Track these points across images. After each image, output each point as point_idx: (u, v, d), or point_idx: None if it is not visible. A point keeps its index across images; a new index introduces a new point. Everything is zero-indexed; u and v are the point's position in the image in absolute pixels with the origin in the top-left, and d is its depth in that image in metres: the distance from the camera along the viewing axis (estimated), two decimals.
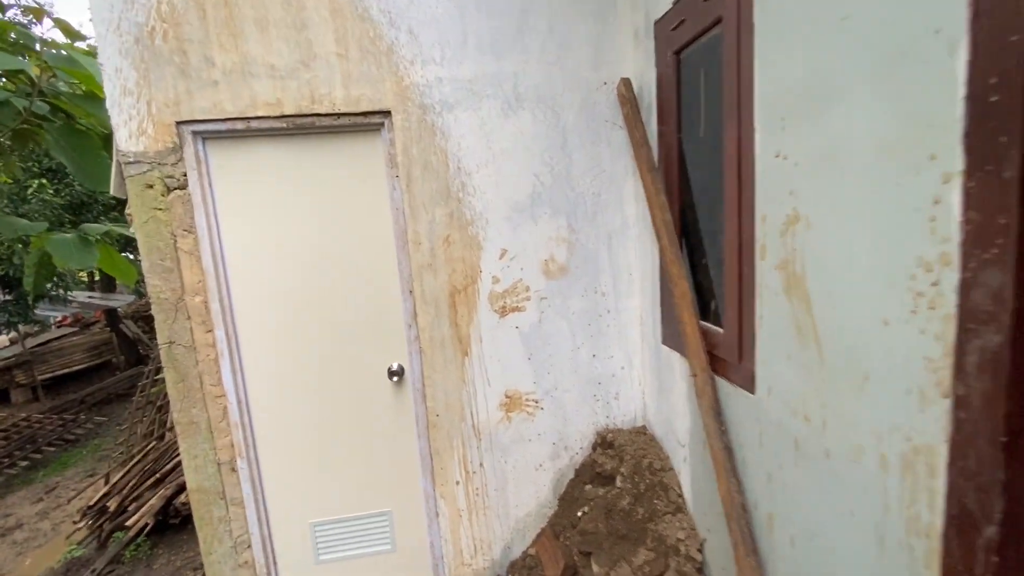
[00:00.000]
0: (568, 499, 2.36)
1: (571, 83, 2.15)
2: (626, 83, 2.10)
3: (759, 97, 1.37)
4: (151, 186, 1.94)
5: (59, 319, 12.65)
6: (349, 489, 2.31)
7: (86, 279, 13.67)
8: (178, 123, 1.93)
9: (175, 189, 1.96)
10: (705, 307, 1.82)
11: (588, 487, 2.29)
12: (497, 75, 2.09)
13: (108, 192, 2.30)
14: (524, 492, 2.36)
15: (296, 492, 2.26)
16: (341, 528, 2.32)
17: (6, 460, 6.65)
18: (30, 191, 7.84)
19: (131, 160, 1.92)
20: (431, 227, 2.14)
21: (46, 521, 5.54)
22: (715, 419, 1.66)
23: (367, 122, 2.06)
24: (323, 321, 2.20)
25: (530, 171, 2.17)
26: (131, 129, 1.90)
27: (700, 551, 1.92)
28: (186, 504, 4.60)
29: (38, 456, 6.98)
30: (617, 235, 2.26)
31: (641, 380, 2.37)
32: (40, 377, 9.44)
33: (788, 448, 1.36)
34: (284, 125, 2.00)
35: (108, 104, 1.88)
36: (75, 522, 4.96)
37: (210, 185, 2.03)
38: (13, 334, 10.50)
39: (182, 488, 4.73)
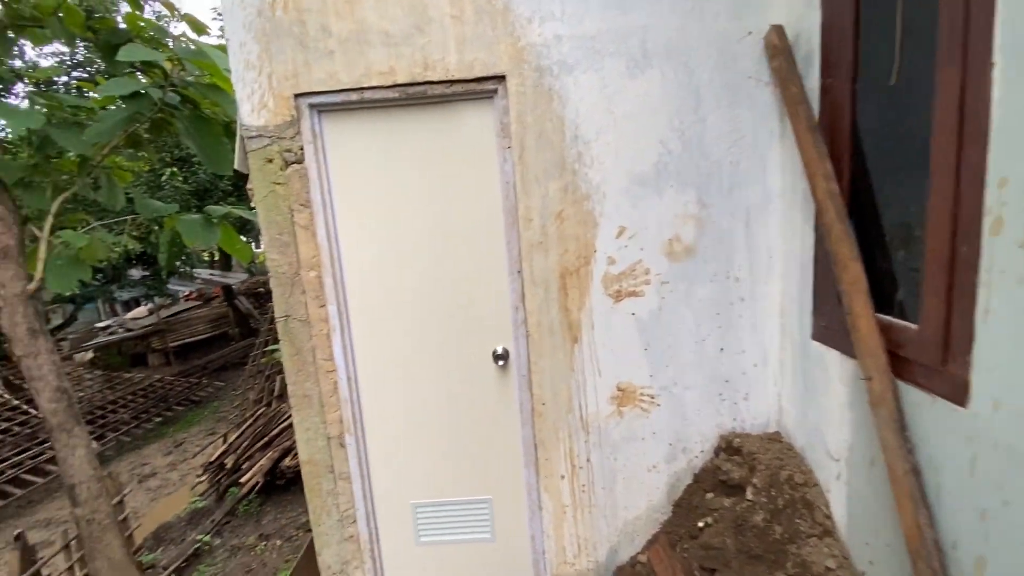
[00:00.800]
0: (685, 506, 2.13)
1: (707, 35, 1.87)
2: (778, 31, 1.78)
3: (1002, 23, 1.03)
4: (270, 160, 1.95)
5: (187, 293, 14.25)
6: (450, 472, 2.24)
7: (208, 259, 15.25)
8: (296, 96, 1.91)
9: (292, 163, 1.96)
10: (883, 297, 1.49)
11: (710, 496, 2.05)
12: (623, 30, 1.86)
13: (228, 175, 2.39)
14: (634, 493, 2.17)
15: (399, 471, 2.24)
16: (441, 511, 2.27)
17: (144, 415, 7.58)
18: (163, 178, 8.78)
19: (253, 134, 1.94)
20: (543, 202, 1.97)
21: (175, 472, 6.22)
22: (897, 434, 1.36)
23: (480, 88, 1.92)
24: (429, 299, 2.13)
25: (656, 138, 1.93)
26: (253, 103, 1.92)
27: None
28: (291, 467, 4.93)
29: (169, 413, 7.89)
30: (757, 211, 1.96)
31: (777, 380, 2.06)
32: (171, 344, 10.70)
33: (1021, 479, 1.04)
34: (396, 95, 1.93)
35: (233, 79, 1.91)
36: (198, 476, 5.50)
37: (325, 159, 2.01)
38: (151, 305, 11.98)
39: (287, 452, 5.07)
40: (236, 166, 2.12)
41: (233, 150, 2.38)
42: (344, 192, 2.04)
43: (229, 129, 3.16)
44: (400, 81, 1.90)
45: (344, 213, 2.05)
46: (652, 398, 2.10)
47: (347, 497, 2.18)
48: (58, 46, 8.58)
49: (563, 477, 2.16)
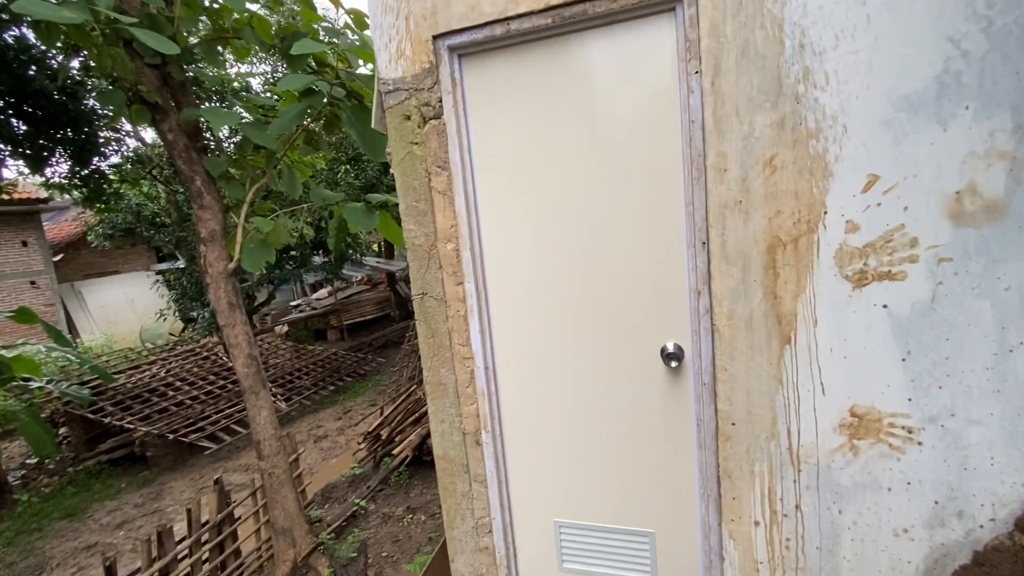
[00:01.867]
0: None
1: None
2: None
3: None
4: (408, 117, 1.73)
5: (358, 278, 16.10)
6: (602, 492, 1.83)
7: (375, 249, 17.02)
8: (434, 37, 1.65)
9: (431, 119, 1.71)
10: None
11: None
12: None
13: (384, 160, 2.33)
14: (866, 561, 1.51)
15: (542, 482, 1.90)
16: (591, 537, 1.87)
17: (321, 383, 8.58)
18: (339, 175, 9.82)
19: (390, 88, 1.73)
20: (745, 145, 1.42)
21: (343, 436, 6.87)
22: None
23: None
24: (581, 279, 1.73)
25: (939, 36, 1.24)
26: (390, 52, 1.71)
27: None
28: None
29: (341, 383, 8.83)
30: None
31: None
32: (345, 323, 12.09)
33: None
34: (549, 21, 1.54)
35: (371, 28, 1.72)
36: (359, 443, 5.95)
37: (464, 112, 1.72)
38: (330, 288, 13.74)
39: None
40: (373, 125, 1.96)
41: None
42: (485, 150, 1.74)
43: None
44: (554, 2, 1.51)
45: (485, 176, 1.75)
46: (910, 432, 1.41)
47: (483, 503, 1.91)
48: (263, 67, 10.09)
49: (757, 524, 1.60)
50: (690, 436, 1.67)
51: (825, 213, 1.39)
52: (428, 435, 5.32)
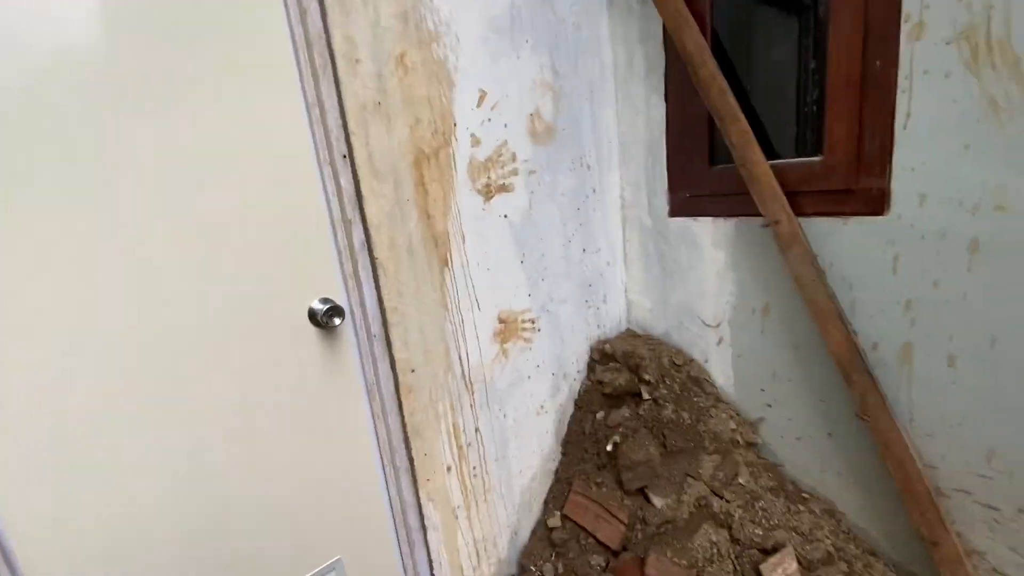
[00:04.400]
0: (576, 440, 1.82)
1: None
2: None
3: None
4: None
5: None
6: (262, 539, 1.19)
7: None
8: None
9: None
10: (767, 146, 1.53)
11: (601, 415, 1.80)
12: None
13: None
14: (527, 449, 1.70)
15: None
16: None
17: None
18: None
19: None
20: (375, 34, 1.18)
21: None
22: (812, 266, 1.42)
23: None
24: (138, 233, 1.00)
25: None
26: None
27: (755, 434, 1.70)
28: None
29: None
30: (598, 88, 1.75)
31: (623, 275, 1.97)
32: None
33: (954, 257, 1.20)
34: None
35: None
36: None
37: None
38: None
39: None
40: None
41: None
42: None
43: None
44: None
45: None
46: (533, 323, 1.66)
47: None
48: None
49: (449, 469, 1.48)
50: (362, 404, 1.32)
51: (455, 125, 1.36)
52: None
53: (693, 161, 1.67)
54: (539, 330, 1.68)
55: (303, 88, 1.14)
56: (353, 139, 1.18)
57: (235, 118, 1.07)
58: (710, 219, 1.66)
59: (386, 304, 1.28)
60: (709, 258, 1.70)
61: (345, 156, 1.19)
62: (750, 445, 1.69)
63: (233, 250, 1.09)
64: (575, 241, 1.75)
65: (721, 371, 1.76)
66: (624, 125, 1.82)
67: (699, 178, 1.67)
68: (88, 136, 0.92)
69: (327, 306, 1.22)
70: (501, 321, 1.56)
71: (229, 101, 1.05)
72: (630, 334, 1.99)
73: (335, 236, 1.23)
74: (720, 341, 1.74)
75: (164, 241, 1.01)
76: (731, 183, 1.55)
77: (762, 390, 1.67)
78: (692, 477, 1.63)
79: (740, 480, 1.61)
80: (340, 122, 1.17)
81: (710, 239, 1.67)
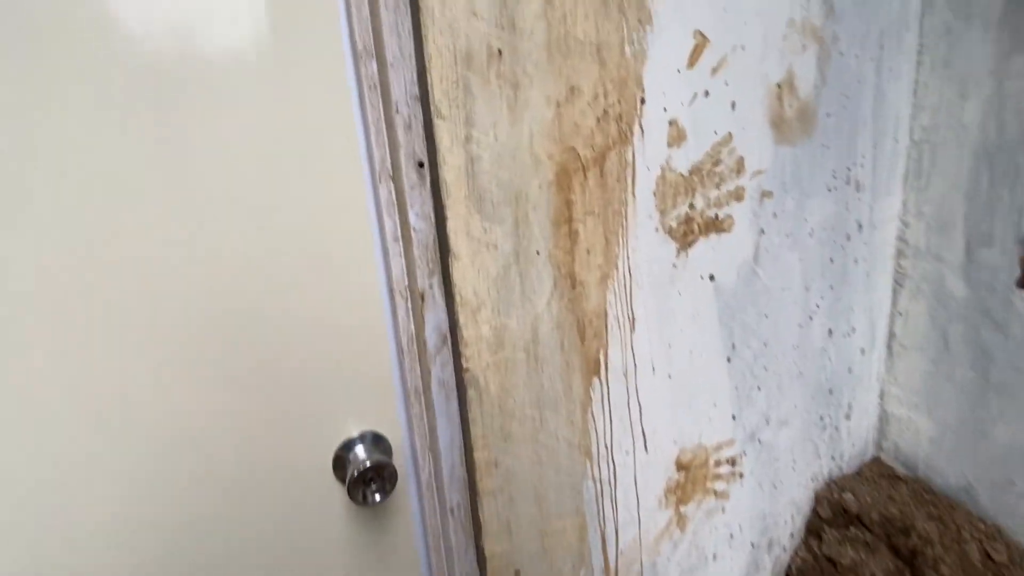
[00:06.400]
0: None
1: None
2: None
3: None
4: None
5: None
6: None
7: None
8: None
9: None
10: None
11: None
12: None
13: None
14: None
15: None
16: None
17: None
18: None
19: None
20: None
21: None
22: None
23: None
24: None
25: None
26: None
27: None
28: None
29: None
30: (891, 40, 0.94)
31: (880, 369, 1.14)
32: None
33: None
34: None
35: None
36: None
37: None
38: None
39: None
40: None
41: None
42: None
43: None
44: None
45: None
46: (733, 465, 0.92)
47: None
48: None
49: None
50: None
51: (642, 102, 0.68)
52: None
53: None
54: (740, 476, 0.94)
55: (348, 17, 0.53)
56: (438, 128, 0.55)
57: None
58: None
59: (478, 455, 0.65)
60: None
61: (422, 164, 0.56)
62: None
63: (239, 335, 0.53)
64: (819, 316, 0.98)
65: None
66: (929, 111, 0.99)
67: None
68: None
69: (362, 440, 0.62)
70: (681, 467, 0.85)
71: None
72: (883, 472, 1.16)
73: (393, 322, 0.62)
74: None
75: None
76: None
77: None
78: None
79: None
80: (414, 90, 0.55)
81: None
